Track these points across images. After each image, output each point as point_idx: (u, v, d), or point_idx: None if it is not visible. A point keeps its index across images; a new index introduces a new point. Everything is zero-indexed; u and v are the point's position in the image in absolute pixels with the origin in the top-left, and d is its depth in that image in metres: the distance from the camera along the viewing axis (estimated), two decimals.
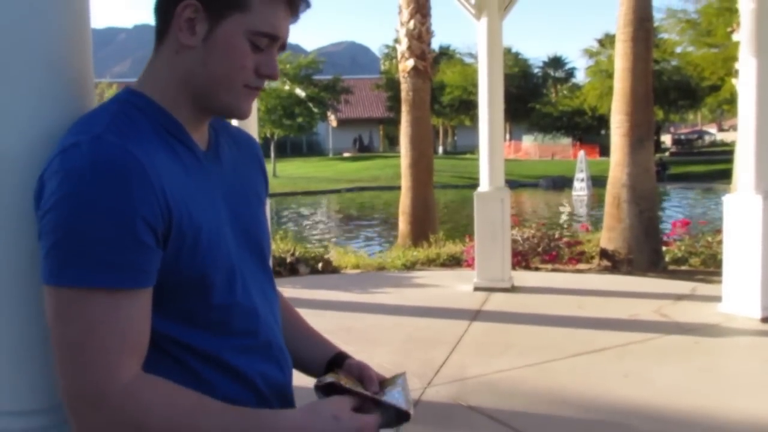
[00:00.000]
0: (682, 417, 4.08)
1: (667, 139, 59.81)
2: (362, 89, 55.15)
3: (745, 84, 5.95)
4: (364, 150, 55.86)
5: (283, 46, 1.24)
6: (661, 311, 6.35)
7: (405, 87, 12.69)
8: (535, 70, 55.36)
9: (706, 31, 20.74)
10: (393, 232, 15.13)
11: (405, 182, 12.80)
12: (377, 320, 6.33)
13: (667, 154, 48.78)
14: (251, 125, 5.32)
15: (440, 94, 45.94)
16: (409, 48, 12.41)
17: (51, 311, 1.06)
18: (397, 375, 1.35)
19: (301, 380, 1.45)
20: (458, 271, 8.84)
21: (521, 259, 8.96)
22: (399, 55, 12.94)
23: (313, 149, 59.46)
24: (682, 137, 62.17)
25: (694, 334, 5.65)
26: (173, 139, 1.19)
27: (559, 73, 56.51)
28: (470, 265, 8.39)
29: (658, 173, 12.20)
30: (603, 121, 40.36)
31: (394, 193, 17.26)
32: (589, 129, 48.11)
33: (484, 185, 7.40)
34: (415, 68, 12.40)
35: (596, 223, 13.14)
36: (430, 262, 9.52)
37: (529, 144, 51.83)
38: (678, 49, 28.81)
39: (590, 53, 44.81)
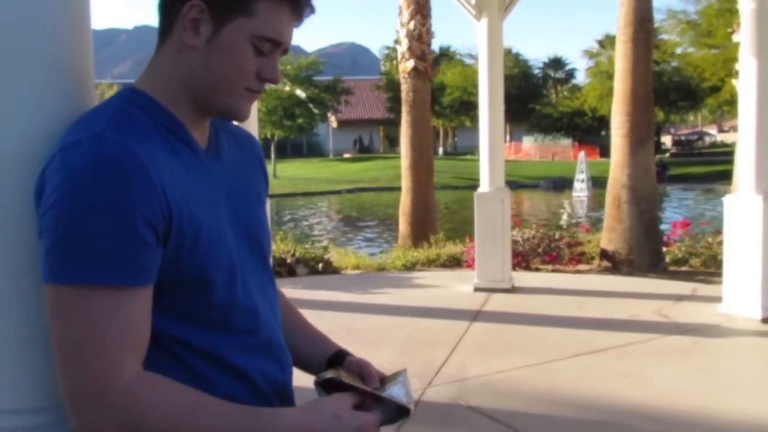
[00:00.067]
0: (683, 417, 4.08)
1: (667, 140, 59.79)
2: (362, 90, 55.15)
3: (745, 85, 5.95)
4: (364, 151, 55.86)
5: (286, 50, 1.24)
6: (661, 312, 6.36)
7: (405, 88, 12.69)
8: (536, 71, 55.36)
9: (707, 32, 20.75)
10: (393, 233, 15.13)
11: (405, 183, 12.80)
12: (377, 321, 6.33)
13: (667, 155, 48.77)
14: (252, 126, 5.32)
15: (440, 95, 45.94)
16: (410, 49, 12.41)
17: (51, 309, 1.06)
18: (398, 372, 1.35)
19: (302, 380, 1.45)
20: (458, 272, 8.84)
21: (521, 259, 8.96)
22: (399, 56, 12.94)
23: (314, 150, 59.46)
24: (683, 138, 62.16)
25: (694, 335, 5.65)
26: (174, 137, 1.19)
27: (560, 74, 56.51)
28: (470, 266, 8.39)
29: (658, 174, 12.18)
30: (603, 122, 40.36)
31: (395, 194, 17.27)
32: (589, 130, 48.10)
33: (484, 186, 7.40)
34: (415, 69, 12.40)
35: (596, 224, 13.14)
36: (430, 263, 9.52)
37: (530, 145, 51.82)
38: (678, 50, 28.84)
39: (590, 54, 44.80)
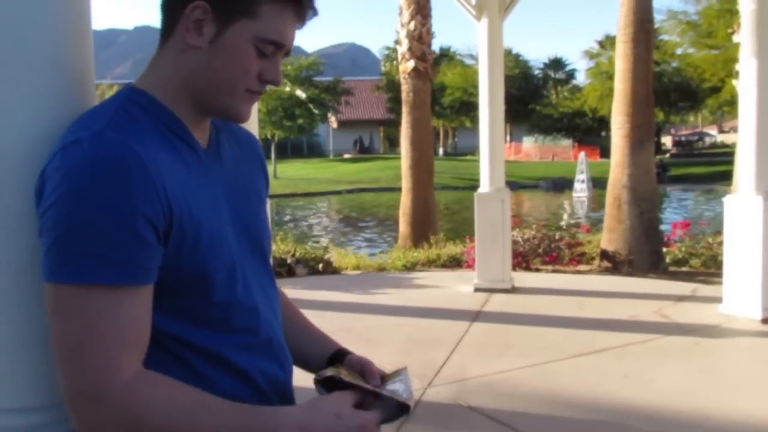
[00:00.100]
0: (683, 418, 4.07)
1: (667, 140, 59.78)
2: (363, 91, 55.16)
3: (745, 85, 5.95)
4: (364, 151, 55.88)
5: (288, 53, 1.25)
6: (661, 312, 6.35)
7: (405, 88, 12.69)
8: (536, 72, 55.40)
9: (707, 33, 20.75)
10: (393, 233, 15.13)
11: (405, 183, 12.80)
12: (378, 321, 6.33)
13: (667, 155, 48.75)
14: (252, 126, 5.30)
15: (441, 96, 45.95)
16: (410, 49, 12.41)
17: (51, 308, 1.06)
18: (398, 370, 1.35)
19: (302, 380, 1.45)
20: (459, 272, 8.84)
21: (522, 260, 8.96)
22: (399, 57, 12.94)
23: (314, 150, 59.46)
24: (683, 139, 62.14)
25: (694, 335, 5.65)
26: (174, 136, 1.19)
27: (560, 75, 56.56)
28: (471, 266, 8.39)
29: (658, 175, 12.19)
30: (603, 123, 40.37)
31: (395, 194, 17.27)
32: (589, 130, 48.10)
33: (484, 186, 7.40)
34: (415, 69, 12.40)
35: (597, 224, 13.13)
36: (430, 263, 9.52)
37: (530, 145, 51.83)
38: (678, 51, 28.83)
39: (591, 55, 44.81)
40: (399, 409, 1.25)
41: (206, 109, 1.23)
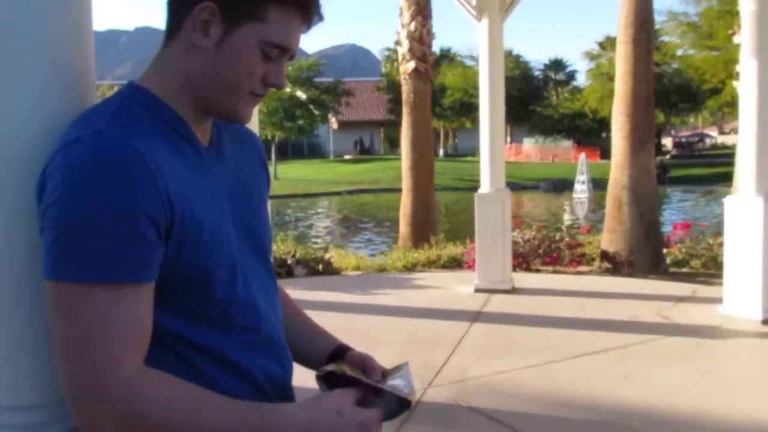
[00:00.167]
0: (683, 418, 4.07)
1: (668, 142, 59.80)
2: (363, 92, 55.19)
3: (746, 86, 5.95)
4: (364, 152, 55.91)
5: (292, 57, 1.25)
6: (661, 313, 6.35)
7: (406, 89, 12.69)
8: (536, 73, 55.46)
9: (707, 34, 20.76)
10: (393, 234, 15.13)
11: (406, 184, 12.80)
12: (378, 321, 6.33)
13: (668, 156, 48.77)
14: (252, 127, 5.26)
15: (441, 97, 45.99)
16: (410, 50, 12.42)
17: (53, 306, 1.06)
18: (400, 365, 1.35)
19: (302, 380, 1.45)
20: (459, 273, 8.84)
21: (522, 260, 8.96)
22: (400, 57, 12.94)
23: (314, 151, 59.50)
24: (683, 140, 62.16)
25: (694, 336, 5.65)
26: (176, 135, 1.19)
27: (560, 76, 56.60)
28: (471, 267, 8.39)
29: (658, 176, 12.20)
30: (604, 124, 40.39)
31: (395, 195, 17.28)
32: (589, 132, 48.12)
33: (484, 187, 7.40)
34: (416, 70, 12.41)
35: (597, 225, 13.13)
36: (430, 264, 9.52)
37: (530, 146, 51.85)
38: (679, 52, 28.86)
39: (591, 56, 44.84)
40: (400, 405, 1.26)
41: (208, 109, 1.24)
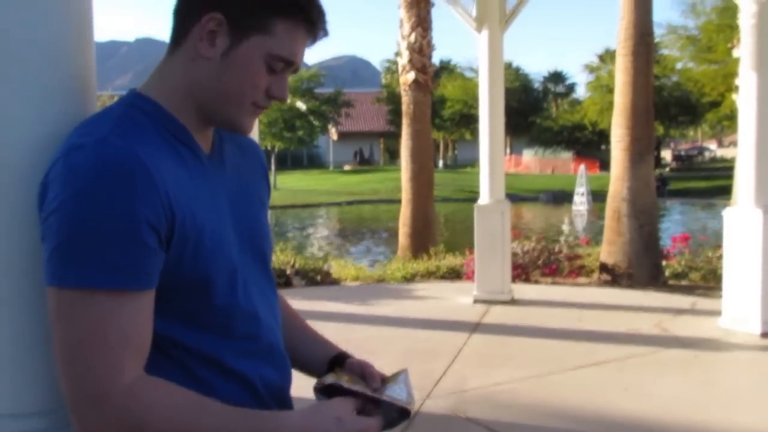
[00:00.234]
0: (682, 430, 4.07)
1: (667, 154, 59.85)
2: (363, 103, 55.30)
3: (745, 99, 5.97)
4: (364, 163, 55.98)
5: (296, 70, 1.26)
6: (660, 325, 6.35)
7: (406, 100, 12.71)
8: (536, 85, 55.62)
9: (707, 47, 20.85)
10: (392, 245, 15.12)
11: (405, 195, 12.80)
12: (377, 332, 6.32)
13: (667, 169, 48.81)
14: (252, 137, 5.33)
15: (441, 108, 46.10)
16: (410, 61, 12.45)
17: (54, 312, 1.06)
18: (399, 372, 1.35)
19: (301, 390, 1.45)
20: (458, 284, 8.83)
21: (521, 272, 8.95)
22: (400, 69, 12.97)
23: (314, 162, 59.55)
24: (683, 153, 62.19)
25: (693, 349, 5.64)
26: (178, 142, 1.20)
27: (560, 88, 56.76)
28: (470, 278, 8.38)
29: (658, 188, 12.18)
30: (603, 136, 40.49)
31: (395, 206, 17.28)
32: (589, 144, 48.19)
33: (484, 198, 7.41)
34: (415, 81, 12.43)
35: (596, 237, 13.13)
36: (429, 275, 9.51)
37: (530, 158, 51.89)
38: (678, 65, 28.99)
39: (591, 68, 45.04)
40: (400, 414, 1.25)
41: (211, 118, 1.24)
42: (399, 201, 13.34)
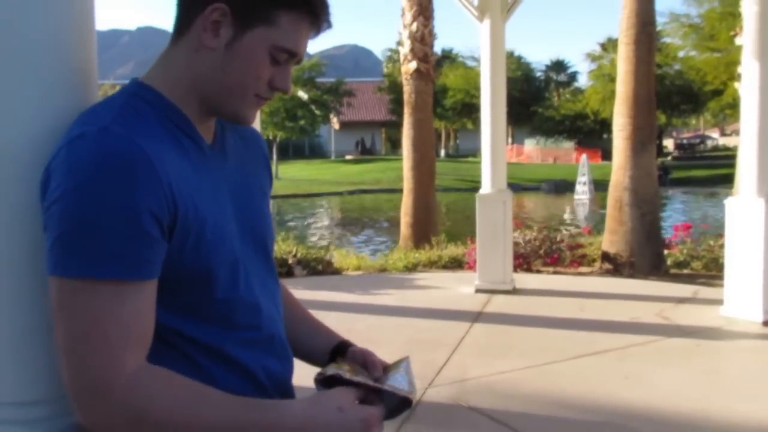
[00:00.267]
0: (683, 419, 4.08)
1: (669, 143, 59.80)
2: (365, 92, 55.23)
3: (747, 87, 5.96)
4: (366, 153, 55.94)
5: (299, 61, 1.26)
6: (662, 314, 6.35)
7: (407, 89, 12.69)
8: (538, 74, 55.52)
9: (709, 36, 20.78)
10: (394, 234, 15.12)
11: (407, 184, 12.80)
12: (378, 321, 6.33)
13: (669, 158, 48.75)
14: (254, 127, 5.33)
15: (443, 97, 46.02)
16: (412, 50, 12.42)
17: (56, 302, 1.06)
18: (401, 360, 1.35)
19: (302, 380, 1.45)
20: (460, 273, 8.84)
21: (523, 261, 8.96)
22: (401, 58, 12.94)
23: (316, 152, 59.54)
24: (685, 142, 62.15)
25: (695, 337, 5.65)
26: (180, 132, 1.20)
27: (562, 77, 56.67)
28: (472, 268, 8.39)
29: (660, 177, 12.17)
30: (605, 125, 40.42)
31: (396, 195, 17.28)
32: (591, 133, 48.12)
33: (486, 187, 7.41)
34: (417, 70, 12.41)
35: (598, 226, 13.13)
36: (431, 264, 9.52)
37: (531, 147, 51.85)
38: (681, 54, 28.91)
39: (593, 57, 44.88)
40: (402, 403, 1.25)
41: (213, 109, 1.24)
42: (401, 190, 13.33)
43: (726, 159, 38.32)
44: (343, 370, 1.25)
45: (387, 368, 1.33)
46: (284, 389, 1.32)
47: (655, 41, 9.88)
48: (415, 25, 12.46)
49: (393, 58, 49.49)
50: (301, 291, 7.39)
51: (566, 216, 24.43)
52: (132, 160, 1.05)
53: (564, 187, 32.86)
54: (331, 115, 47.70)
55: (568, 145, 49.96)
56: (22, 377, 1.20)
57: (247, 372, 1.24)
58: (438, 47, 45.77)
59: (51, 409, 1.20)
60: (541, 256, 9.15)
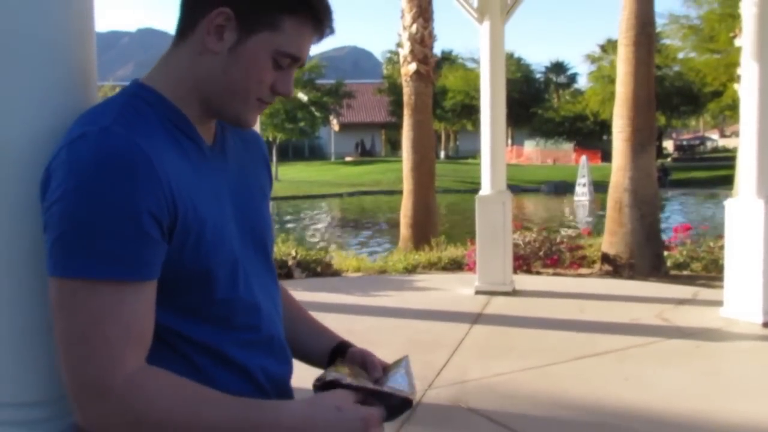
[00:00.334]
0: (683, 421, 4.07)
1: (669, 145, 59.79)
2: (364, 94, 55.23)
3: (747, 89, 5.96)
4: (366, 154, 55.96)
5: (302, 65, 1.26)
6: (662, 315, 6.35)
7: (407, 91, 12.70)
8: (538, 76, 55.54)
9: (709, 37, 20.79)
10: (394, 236, 15.12)
11: (407, 186, 12.79)
12: (378, 323, 6.33)
13: (669, 159, 48.76)
14: (254, 128, 5.33)
15: (442, 99, 46.06)
16: (412, 52, 12.42)
17: (55, 303, 1.06)
18: (400, 359, 1.35)
19: (302, 381, 1.45)
20: (459, 275, 8.83)
21: (522, 263, 8.96)
22: (401, 59, 12.94)
23: (315, 153, 59.54)
24: (684, 143, 62.13)
25: (695, 339, 5.65)
26: (180, 133, 1.20)
27: (562, 79, 56.67)
28: (471, 269, 8.39)
29: (660, 179, 12.17)
30: (605, 127, 40.46)
31: (396, 197, 17.29)
32: (591, 134, 48.15)
33: (485, 189, 7.41)
34: (417, 72, 12.41)
35: (598, 227, 13.13)
36: (431, 266, 9.51)
37: (531, 149, 51.87)
38: (680, 55, 28.89)
39: (592, 59, 44.92)
40: (403, 403, 1.25)
41: (215, 111, 1.24)
42: (400, 192, 13.33)
43: (726, 160, 38.33)
44: (343, 375, 1.24)
45: (387, 368, 1.33)
46: (283, 390, 1.33)
47: (654, 43, 9.89)
48: (414, 27, 12.47)
49: (393, 59, 49.54)
50: (300, 292, 7.39)
51: (566, 217, 24.41)
52: (132, 161, 1.06)
53: (564, 189, 32.86)
54: (331, 117, 47.68)
55: (568, 146, 49.97)
56: (22, 378, 1.20)
57: (246, 373, 1.24)
58: (438, 49, 45.77)
59: (51, 410, 1.20)
60: (540, 257, 9.15)
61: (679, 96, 41.49)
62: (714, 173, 36.34)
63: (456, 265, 9.48)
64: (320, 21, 1.22)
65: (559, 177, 36.55)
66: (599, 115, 40.91)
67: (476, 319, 6.34)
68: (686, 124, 60.46)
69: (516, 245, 8.68)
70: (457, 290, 7.62)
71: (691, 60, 25.43)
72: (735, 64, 15.11)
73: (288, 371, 1.36)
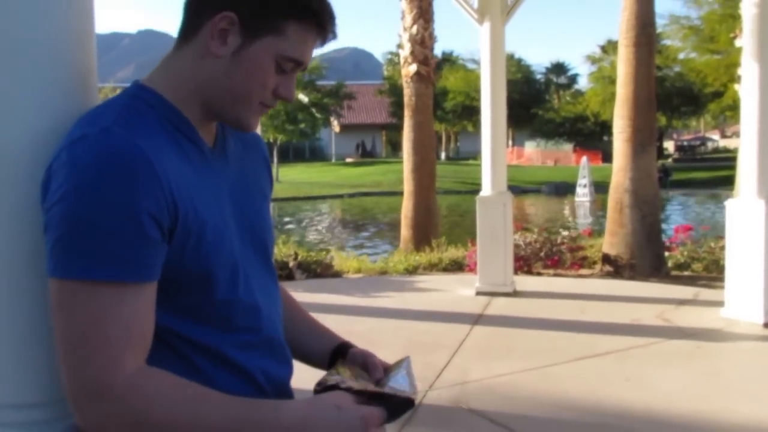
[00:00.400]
0: (684, 421, 4.07)
1: (669, 145, 59.76)
2: (365, 95, 55.25)
3: (747, 89, 5.96)
4: (366, 155, 55.95)
5: (304, 69, 1.27)
6: (663, 316, 6.35)
7: (408, 92, 12.70)
8: (538, 77, 55.51)
9: (709, 38, 20.79)
10: (395, 237, 15.12)
11: (407, 187, 12.79)
12: (378, 324, 6.33)
13: (669, 160, 48.72)
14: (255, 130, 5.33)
15: (443, 100, 46.06)
16: (412, 53, 12.42)
17: (55, 304, 1.07)
18: (401, 360, 1.35)
19: (302, 382, 1.45)
20: (460, 276, 8.83)
21: (523, 263, 8.96)
22: (402, 60, 12.94)
23: (316, 154, 59.55)
24: (685, 144, 62.09)
25: (696, 339, 5.64)
26: (181, 135, 1.20)
27: (562, 80, 56.64)
28: (472, 270, 8.39)
29: (660, 179, 12.18)
30: (605, 128, 40.45)
31: (397, 198, 17.27)
32: (591, 135, 48.14)
33: (486, 190, 7.41)
34: (417, 73, 12.41)
35: (599, 228, 13.12)
36: (432, 267, 9.52)
37: (532, 150, 51.84)
38: (681, 56, 28.89)
39: (593, 59, 44.93)
40: (404, 404, 1.25)
41: (216, 114, 1.25)
42: (401, 193, 13.33)
43: (726, 161, 38.30)
44: (344, 378, 1.24)
45: (387, 369, 1.33)
46: (283, 392, 1.33)
47: (655, 43, 9.89)
48: (415, 28, 12.47)
49: (393, 60, 49.55)
50: (301, 294, 7.39)
51: (567, 218, 24.41)
52: (132, 162, 1.06)
53: (564, 190, 32.84)
54: (332, 118, 47.71)
55: (569, 147, 49.95)
56: (22, 379, 1.20)
57: (245, 374, 1.24)
58: (438, 50, 45.76)
59: (51, 412, 1.20)
60: (541, 258, 9.15)
61: (679, 96, 41.49)
62: (715, 174, 36.33)
63: (457, 266, 9.48)
64: (324, 27, 1.23)
65: (559, 178, 36.54)
66: (600, 115, 40.92)
67: (477, 320, 6.34)
68: (687, 125, 60.45)
69: (517, 246, 8.68)
70: (457, 291, 7.62)
71: (692, 60, 25.44)
72: (735, 64, 15.10)
73: (288, 372, 1.36)
